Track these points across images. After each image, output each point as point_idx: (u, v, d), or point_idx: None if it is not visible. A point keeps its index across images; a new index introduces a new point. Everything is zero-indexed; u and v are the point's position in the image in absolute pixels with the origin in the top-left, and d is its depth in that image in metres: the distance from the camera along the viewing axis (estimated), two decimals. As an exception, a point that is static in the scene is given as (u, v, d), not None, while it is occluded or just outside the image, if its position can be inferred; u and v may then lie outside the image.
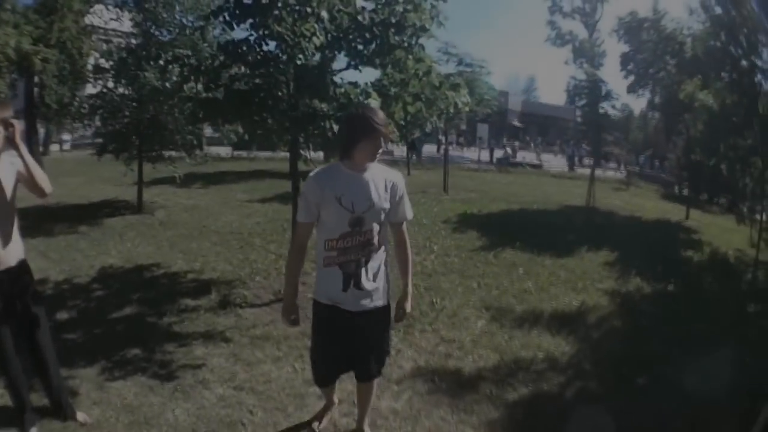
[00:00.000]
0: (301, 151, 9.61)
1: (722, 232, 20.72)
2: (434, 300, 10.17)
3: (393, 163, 32.83)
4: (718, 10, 18.81)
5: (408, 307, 5.33)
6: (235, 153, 37.04)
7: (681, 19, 24.25)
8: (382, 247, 5.01)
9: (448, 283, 11.22)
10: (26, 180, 4.95)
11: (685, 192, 27.06)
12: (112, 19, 17.24)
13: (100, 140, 17.00)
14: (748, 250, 17.35)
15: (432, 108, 12.16)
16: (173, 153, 17.39)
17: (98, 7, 18.29)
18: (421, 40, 8.85)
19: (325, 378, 5.47)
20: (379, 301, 5.01)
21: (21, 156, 4.82)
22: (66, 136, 38.96)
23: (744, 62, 17.05)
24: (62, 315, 8.64)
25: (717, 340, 9.45)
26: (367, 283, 4.90)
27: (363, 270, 4.87)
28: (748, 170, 17.67)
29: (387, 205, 4.89)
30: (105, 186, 21.55)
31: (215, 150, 28.83)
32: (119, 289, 10.08)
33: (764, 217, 17.84)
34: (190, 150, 17.16)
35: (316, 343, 5.32)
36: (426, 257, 13.19)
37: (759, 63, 16.16)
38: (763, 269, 15.57)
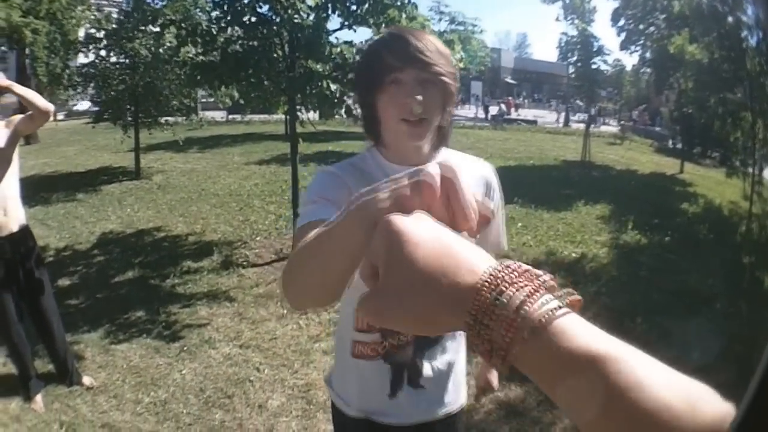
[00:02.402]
0: (298, 113, 9.58)
1: (716, 185, 20.61)
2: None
3: None
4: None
5: (495, 383, 3.00)
6: (230, 117, 36.80)
7: None
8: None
9: (449, 239, 11.26)
10: (26, 118, 4.95)
11: (679, 146, 27.07)
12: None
13: (95, 109, 16.97)
14: (741, 203, 17.25)
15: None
16: (169, 118, 17.36)
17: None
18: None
19: None
20: (450, 404, 2.63)
21: (12, 90, 4.82)
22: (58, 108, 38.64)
23: (730, 18, 17.13)
24: (64, 281, 8.70)
25: (712, 291, 9.63)
26: (430, 376, 2.52)
27: (425, 354, 2.52)
28: (739, 124, 17.77)
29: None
30: (101, 153, 21.53)
31: (210, 114, 28.68)
32: (120, 253, 10.16)
33: (756, 171, 18.07)
34: (186, 114, 17.21)
35: None
36: (422, 216, 13.18)
37: (744, 19, 15.96)
38: (756, 222, 15.57)
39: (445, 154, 2.41)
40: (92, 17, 16.54)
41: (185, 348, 6.69)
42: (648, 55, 27.51)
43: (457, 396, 2.62)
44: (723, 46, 17.59)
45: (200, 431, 5.21)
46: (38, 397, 5.43)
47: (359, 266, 1.00)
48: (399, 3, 8.67)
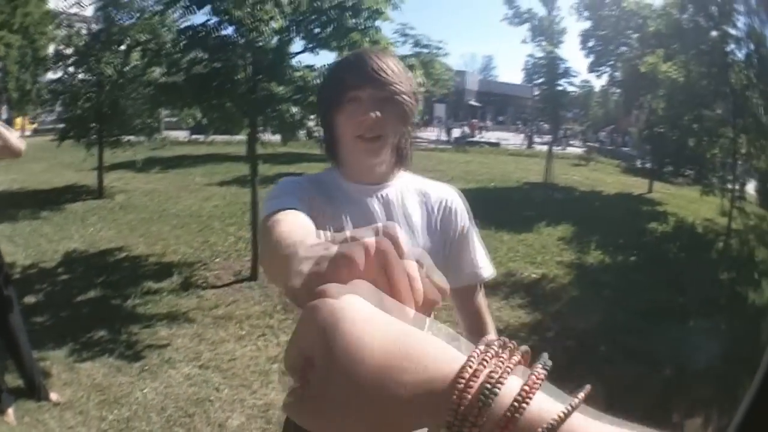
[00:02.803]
0: (259, 135, 9.72)
1: (689, 203, 20.62)
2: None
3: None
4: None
5: None
6: (193, 137, 36.74)
7: None
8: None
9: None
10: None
11: (648, 166, 26.95)
12: (74, 3, 17.24)
13: (61, 125, 16.99)
14: (718, 219, 17.30)
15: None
16: (132, 138, 17.28)
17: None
18: (377, 23, 8.96)
19: None
20: None
21: None
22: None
23: (714, 32, 17.03)
24: (30, 299, 8.73)
25: (685, 308, 9.76)
26: None
27: None
28: (717, 141, 17.80)
29: (439, 251, 2.33)
30: (66, 171, 21.42)
31: (173, 134, 28.66)
32: (84, 272, 10.20)
33: (737, 186, 18.04)
34: (149, 134, 17.13)
35: None
36: (381, 238, 13.22)
37: (733, 32, 16.06)
38: (737, 237, 15.71)
39: (407, 178, 2.39)
40: (63, 33, 16.56)
41: (146, 367, 6.76)
42: (618, 75, 27.58)
43: None
44: (702, 63, 17.61)
45: (162, 448, 5.24)
46: (10, 411, 5.46)
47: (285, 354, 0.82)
48: (362, 27, 8.78)
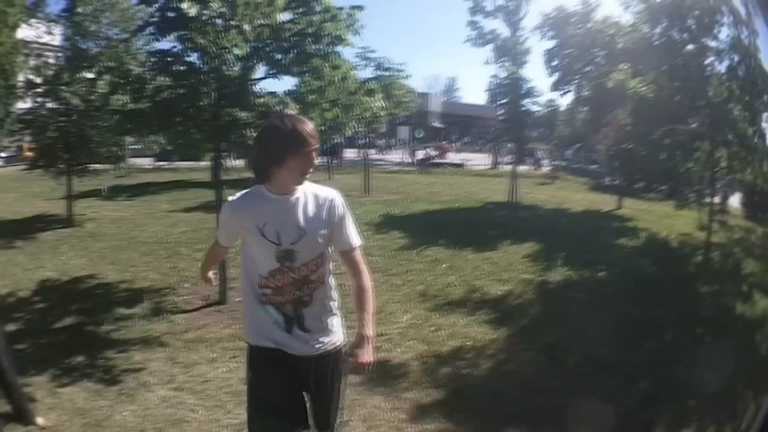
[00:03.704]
0: (223, 160, 9.92)
1: (661, 218, 20.74)
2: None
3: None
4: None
5: (365, 358, 3.89)
6: (158, 164, 36.73)
7: (612, 11, 24.29)
8: (327, 282, 4.06)
9: (372, 282, 11.31)
10: None
11: (617, 182, 27.03)
12: (45, 32, 17.31)
13: (30, 156, 17.01)
14: (696, 234, 17.44)
15: (349, 113, 12.39)
16: (98, 166, 17.50)
17: (32, 21, 18.27)
18: (338, 48, 9.18)
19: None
20: (330, 342, 4.02)
21: None
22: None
23: (691, 46, 16.99)
24: (9, 327, 8.68)
25: (659, 322, 9.83)
26: (310, 323, 3.93)
27: (305, 311, 3.92)
28: (691, 155, 17.57)
29: (324, 232, 3.92)
30: (36, 201, 21.06)
31: (138, 162, 28.66)
32: (59, 300, 10.27)
33: (716, 200, 18.06)
34: (114, 162, 17.35)
35: (255, 393, 4.08)
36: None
37: (713, 44, 16.13)
38: (718, 251, 15.78)
39: (307, 185, 3.90)
40: (32, 63, 16.60)
41: (123, 391, 6.88)
42: (584, 93, 27.64)
43: (337, 335, 4.08)
44: (675, 77, 17.48)
45: (144, 468, 5.36)
46: (0, 436, 5.48)
47: None
48: (323, 53, 8.94)
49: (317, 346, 3.94)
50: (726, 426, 6.51)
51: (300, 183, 3.81)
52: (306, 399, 4.04)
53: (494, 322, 9.41)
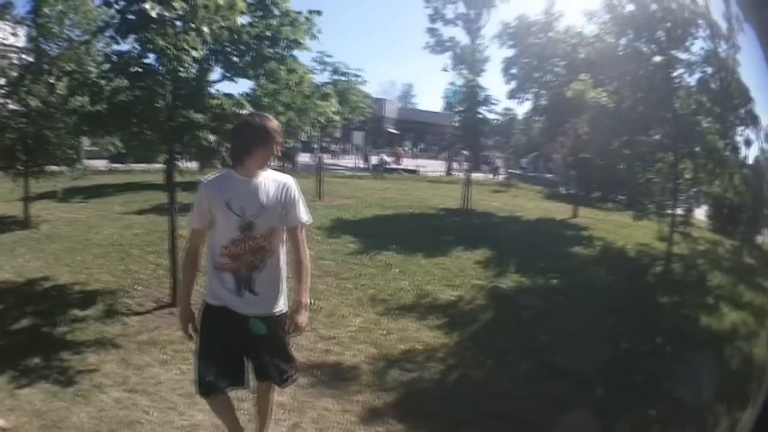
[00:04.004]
0: (177, 162, 9.95)
1: (618, 228, 21.15)
2: (311, 301, 10.37)
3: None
4: (630, 7, 18.53)
5: (301, 320, 5.01)
6: (112, 166, 36.52)
7: (574, 22, 24.27)
8: (278, 253, 4.96)
9: (324, 285, 11.58)
10: None
11: (573, 191, 27.17)
12: (11, 34, 17.24)
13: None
14: (655, 244, 17.80)
15: (304, 117, 12.44)
16: (54, 168, 17.46)
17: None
18: (295, 52, 9.38)
19: (210, 385, 4.96)
20: (275, 307, 4.96)
21: None
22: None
23: (658, 58, 17.01)
24: (-33, 330, 8.81)
25: (614, 330, 9.97)
26: (259, 287, 4.85)
27: (256, 275, 4.85)
28: (652, 166, 17.67)
29: (279, 209, 4.86)
30: (-6, 203, 21.41)
31: (93, 163, 28.52)
32: (15, 302, 10.26)
33: (679, 211, 18.05)
34: (70, 164, 17.35)
35: (204, 346, 4.98)
36: (300, 261, 13.30)
37: (683, 56, 16.20)
38: (680, 262, 15.99)
39: (268, 171, 4.96)
40: (-1, 64, 16.53)
41: (79, 393, 6.88)
42: (542, 102, 27.65)
43: (282, 304, 5.04)
44: (639, 88, 17.46)
45: (100, 469, 5.38)
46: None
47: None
48: (279, 56, 9.05)
49: (262, 308, 4.92)
50: None
51: (263, 168, 4.91)
52: (246, 360, 5.07)
53: (445, 327, 9.51)
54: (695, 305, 12.12)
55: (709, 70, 15.22)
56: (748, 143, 12.87)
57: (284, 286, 5.09)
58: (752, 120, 11.93)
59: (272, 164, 5.10)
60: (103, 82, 9.29)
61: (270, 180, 4.94)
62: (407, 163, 57.37)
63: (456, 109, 24.94)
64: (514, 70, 27.67)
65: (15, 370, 7.37)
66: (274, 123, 4.90)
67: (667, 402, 7.19)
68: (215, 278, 4.89)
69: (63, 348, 8.13)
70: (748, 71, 11.99)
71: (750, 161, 12.80)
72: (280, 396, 6.54)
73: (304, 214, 5.09)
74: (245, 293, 4.85)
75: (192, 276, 5.19)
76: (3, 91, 15.88)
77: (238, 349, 5.00)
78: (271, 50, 9.05)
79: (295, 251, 5.09)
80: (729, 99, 14.41)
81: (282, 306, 5.05)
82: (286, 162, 38.03)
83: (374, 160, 53.05)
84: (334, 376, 7.48)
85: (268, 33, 8.95)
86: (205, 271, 5.07)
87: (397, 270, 12.99)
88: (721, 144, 15.30)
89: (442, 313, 10.17)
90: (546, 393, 7.28)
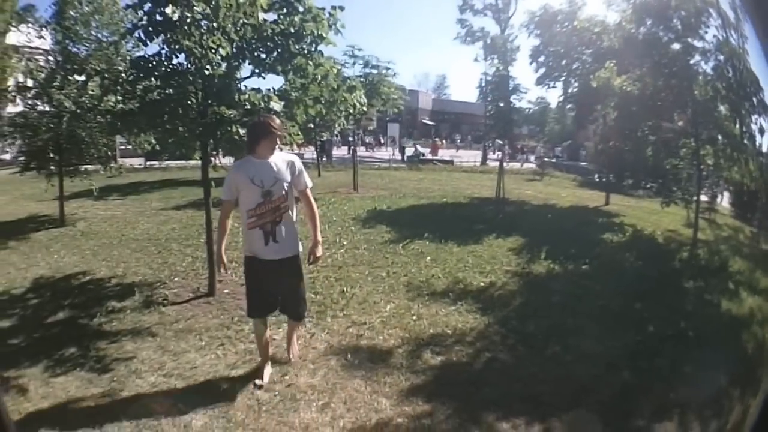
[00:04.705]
0: (212, 158, 10.27)
1: (649, 215, 20.85)
2: (344, 289, 10.66)
3: (303, 164, 34.05)
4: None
5: (318, 252, 7.23)
6: (148, 164, 36.59)
7: (597, 11, 24.08)
8: (290, 211, 6.94)
9: (357, 274, 11.72)
10: None
11: (606, 179, 26.85)
12: (36, 36, 17.42)
13: (22, 158, 17.11)
14: (683, 230, 17.68)
15: (333, 109, 12.57)
16: (89, 167, 17.75)
17: (22, 26, 18.30)
18: (320, 47, 9.43)
19: (255, 309, 7.13)
20: (292, 251, 6.99)
21: None
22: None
23: (676, 45, 16.93)
24: (4, 323, 9.08)
25: (641, 315, 9.91)
26: (281, 237, 6.84)
27: (277, 228, 6.82)
28: (677, 152, 17.68)
29: (288, 179, 6.88)
30: (28, 203, 21.47)
31: (128, 161, 28.49)
32: (51, 296, 10.48)
33: (704, 198, 18.10)
34: (105, 163, 17.56)
35: (247, 286, 7.19)
36: (336, 251, 13.61)
37: (698, 44, 16.09)
38: (704, 247, 15.95)
39: (278, 153, 6.84)
40: (25, 66, 16.70)
41: (115, 379, 7.10)
42: (572, 90, 27.42)
43: (296, 247, 6.99)
44: (660, 75, 17.46)
45: (135, 450, 5.56)
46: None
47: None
48: (306, 51, 9.20)
49: (284, 252, 6.90)
50: (709, 421, 6.60)
51: (272, 153, 6.81)
52: (277, 292, 7.10)
53: (475, 312, 9.54)
54: (717, 291, 12.04)
55: (722, 58, 15.28)
56: (762, 131, 12.84)
57: (297, 234, 7.14)
58: (764, 109, 11.88)
59: (278, 147, 7.02)
60: (135, 79, 9.46)
61: (279, 159, 6.88)
62: (443, 153, 56.67)
63: (488, 99, 24.74)
64: (541, 59, 27.55)
65: (50, 360, 7.62)
66: (275, 122, 6.89)
67: (687, 386, 7.26)
68: (248, 236, 6.91)
69: (100, 338, 8.39)
70: (755, 61, 11.96)
71: (765, 149, 12.78)
72: (311, 378, 7.03)
73: (308, 181, 7.16)
74: (270, 243, 6.83)
75: (223, 234, 7.11)
76: (32, 93, 16.11)
77: (269, 287, 6.98)
78: (297, 46, 9.18)
79: (307, 206, 7.21)
80: (742, 87, 14.40)
81: (297, 250, 7.09)
82: (322, 155, 38.16)
83: (409, 151, 52.65)
84: (365, 359, 7.67)
85: (292, 29, 9.06)
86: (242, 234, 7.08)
87: (430, 258, 13.05)
88: (738, 130, 15.29)
89: (473, 299, 10.19)
90: (571, 376, 7.34)
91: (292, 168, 6.97)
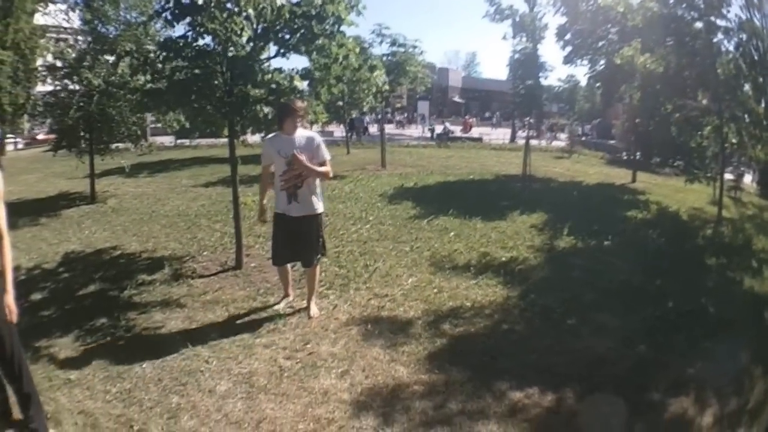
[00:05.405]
0: (241, 136, 10.75)
1: (675, 192, 20.95)
2: (368, 263, 10.94)
3: (333, 142, 34.99)
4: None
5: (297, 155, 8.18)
6: (178, 142, 37.78)
7: None
8: (309, 178, 8.19)
9: (381, 248, 12.03)
10: None
11: (633, 157, 26.74)
12: (63, 18, 17.67)
13: (50, 136, 17.36)
14: (707, 208, 17.72)
15: (356, 88, 12.78)
16: (120, 145, 18.16)
17: (51, 7, 18.53)
18: (343, 28, 9.61)
19: (279, 257, 8.60)
20: (310, 211, 8.28)
21: None
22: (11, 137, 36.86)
23: (699, 24, 16.80)
24: (36, 296, 9.38)
25: (662, 290, 9.99)
26: (301, 199, 8.18)
27: (299, 191, 8.14)
28: (701, 131, 17.69)
29: (309, 152, 8.06)
30: (59, 180, 22.12)
31: (159, 140, 28.65)
32: (83, 270, 10.81)
33: (729, 176, 18.14)
34: (135, 140, 17.82)
35: (274, 236, 8.58)
36: (362, 227, 13.89)
37: (721, 23, 15.95)
38: (728, 225, 15.96)
39: (300, 130, 8.20)
40: (55, 47, 16.95)
41: (143, 347, 7.37)
42: (598, 68, 27.30)
43: (315, 207, 8.35)
44: (683, 53, 17.42)
45: (160, 412, 5.87)
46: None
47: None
48: (329, 32, 9.43)
49: (303, 211, 8.21)
50: (729, 398, 6.54)
51: (294, 130, 8.08)
52: (295, 243, 8.37)
53: (495, 286, 9.70)
54: (740, 268, 12.03)
55: (744, 36, 15.19)
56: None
57: (319, 199, 8.44)
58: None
59: (300, 124, 8.30)
60: (162, 61, 9.76)
61: (301, 136, 8.17)
62: (472, 131, 56.93)
63: (516, 76, 24.77)
64: (568, 37, 27.40)
65: (81, 330, 7.94)
66: (297, 103, 8.23)
67: (705, 362, 7.25)
68: (278, 195, 8.31)
69: (129, 309, 8.71)
70: None
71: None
72: (332, 347, 7.33)
73: (326, 154, 8.33)
74: (293, 203, 8.20)
75: (265, 189, 8.78)
76: (63, 72, 16.36)
77: (291, 238, 8.34)
78: (320, 27, 9.34)
79: (322, 166, 8.24)
80: (764, 66, 14.57)
81: (314, 210, 8.37)
82: (351, 132, 38.32)
83: (439, 129, 52.80)
84: (385, 330, 7.90)
85: (313, 12, 9.21)
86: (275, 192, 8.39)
87: (453, 233, 13.23)
88: (761, 109, 15.35)
89: (494, 273, 10.37)
90: (586, 349, 7.46)
91: (312, 142, 8.19)
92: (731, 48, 16.03)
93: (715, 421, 5.98)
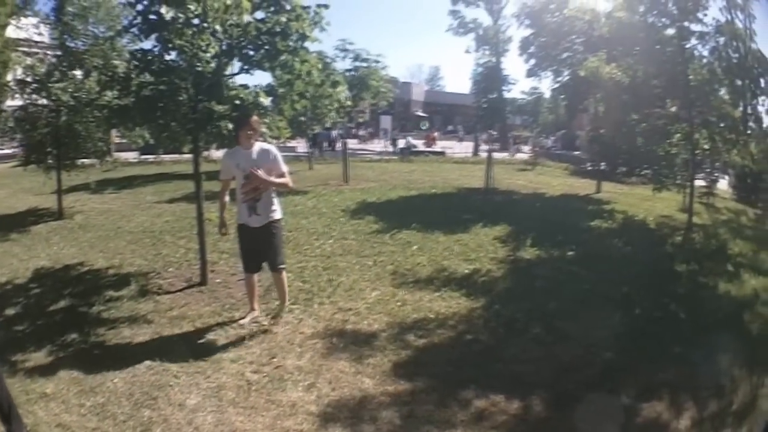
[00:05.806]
0: (204, 152, 11.18)
1: (641, 201, 21.29)
2: (331, 278, 11.00)
3: (296, 158, 35.48)
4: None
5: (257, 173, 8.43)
6: (142, 157, 37.37)
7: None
8: (269, 190, 8.59)
9: (344, 263, 12.03)
10: None
11: (598, 167, 26.81)
12: (35, 33, 17.71)
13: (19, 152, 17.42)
14: (677, 215, 18.05)
15: (318, 104, 12.93)
16: (86, 160, 18.18)
17: (23, 21, 18.52)
18: (306, 44, 9.74)
19: (247, 266, 8.93)
20: (268, 219, 8.63)
21: None
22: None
23: (670, 30, 16.85)
24: (9, 311, 9.45)
25: (627, 298, 10.14)
26: (260, 210, 8.55)
27: (257, 204, 8.50)
28: (670, 138, 17.65)
29: (266, 164, 8.44)
30: (27, 196, 21.94)
31: (123, 155, 29.06)
32: (52, 286, 10.86)
33: (700, 183, 18.54)
34: (101, 156, 17.98)
35: (240, 246, 8.96)
36: (325, 242, 13.92)
37: (696, 27, 15.95)
38: (699, 231, 16.16)
39: (258, 144, 8.55)
40: (26, 62, 16.97)
41: (114, 362, 7.42)
42: (561, 80, 27.43)
43: (273, 215, 8.70)
44: (653, 61, 17.28)
45: (133, 426, 5.95)
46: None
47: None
48: (292, 48, 9.55)
49: (262, 221, 8.56)
50: (707, 401, 6.67)
51: (252, 144, 8.46)
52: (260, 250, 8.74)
53: (458, 298, 9.80)
54: (714, 273, 12.19)
55: (722, 40, 15.18)
56: (769, 113, 12.99)
57: (276, 207, 8.79)
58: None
59: (255, 138, 8.61)
60: (131, 74, 9.88)
61: (258, 149, 8.52)
62: (446, 145, 55.91)
63: (479, 90, 24.86)
64: (531, 49, 27.58)
65: (53, 345, 7.99)
66: (251, 118, 8.67)
67: (677, 366, 7.38)
68: (240, 207, 8.66)
69: (98, 325, 8.75)
70: (764, 40, 11.98)
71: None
72: (298, 360, 7.38)
73: (284, 166, 8.68)
74: (253, 215, 8.54)
75: (223, 205, 9.05)
76: (32, 87, 16.41)
77: (255, 248, 8.77)
78: (284, 44, 9.46)
79: (279, 177, 8.61)
80: (745, 69, 14.59)
81: (272, 218, 8.71)
82: (314, 148, 38.39)
83: (401, 143, 52.54)
84: (350, 343, 7.97)
85: (278, 29, 9.33)
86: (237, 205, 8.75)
87: (416, 247, 13.29)
88: (737, 113, 15.45)
89: (457, 285, 10.44)
90: (552, 356, 7.60)
91: (270, 154, 8.58)
92: (705, 53, 16.10)
93: (684, 427, 6.07)
